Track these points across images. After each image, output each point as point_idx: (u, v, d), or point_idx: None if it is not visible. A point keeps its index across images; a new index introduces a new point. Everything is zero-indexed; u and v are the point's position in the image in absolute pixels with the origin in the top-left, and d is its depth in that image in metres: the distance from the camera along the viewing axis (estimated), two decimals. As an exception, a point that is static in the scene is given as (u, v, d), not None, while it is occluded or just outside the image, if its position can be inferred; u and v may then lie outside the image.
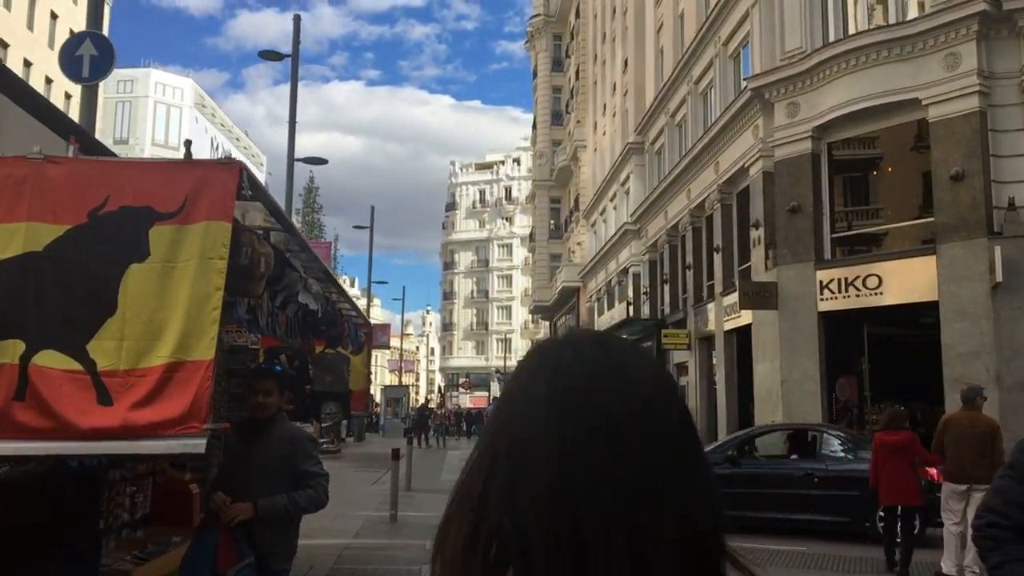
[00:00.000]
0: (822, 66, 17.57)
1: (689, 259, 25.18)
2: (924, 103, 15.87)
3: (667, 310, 27.81)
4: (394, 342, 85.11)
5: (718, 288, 22.38)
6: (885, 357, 17.20)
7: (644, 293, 30.64)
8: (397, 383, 62.74)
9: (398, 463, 11.12)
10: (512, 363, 78.15)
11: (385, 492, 12.70)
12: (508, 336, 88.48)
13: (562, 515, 0.67)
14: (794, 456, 12.87)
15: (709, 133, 22.76)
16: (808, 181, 17.95)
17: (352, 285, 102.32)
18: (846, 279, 17.11)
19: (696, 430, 0.79)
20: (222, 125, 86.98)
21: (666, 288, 28.00)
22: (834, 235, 17.91)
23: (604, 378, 0.74)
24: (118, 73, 78.00)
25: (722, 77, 22.83)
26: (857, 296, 16.88)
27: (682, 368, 27.11)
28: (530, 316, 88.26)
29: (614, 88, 38.20)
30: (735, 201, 22.15)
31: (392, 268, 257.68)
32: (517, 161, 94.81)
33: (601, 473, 0.69)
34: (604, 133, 40.70)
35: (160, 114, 79.59)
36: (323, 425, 12.25)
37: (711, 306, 23.08)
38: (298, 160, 20.13)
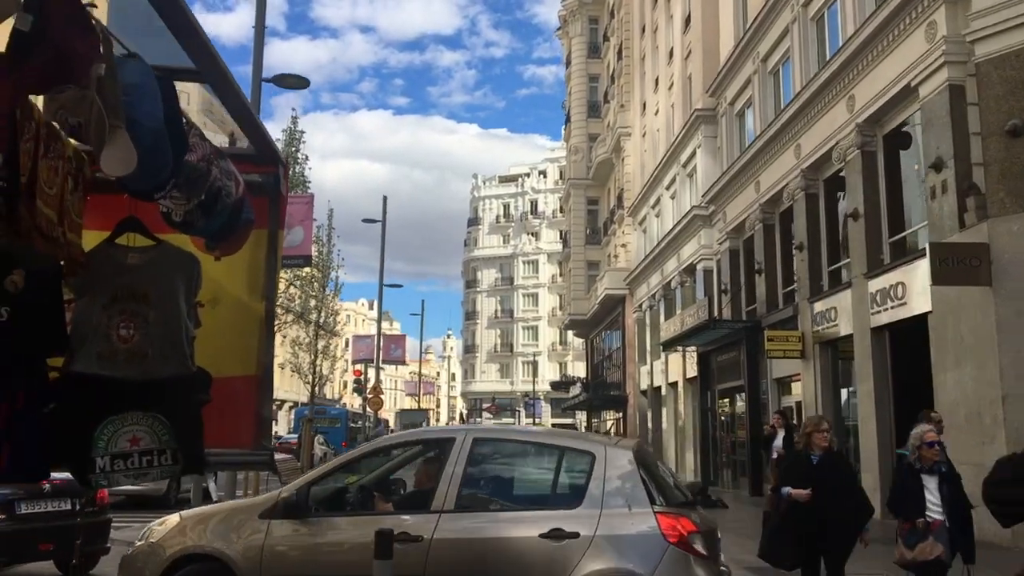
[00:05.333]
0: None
1: (801, 237, 18.80)
2: None
3: (762, 308, 21.37)
4: (413, 367, 79.00)
5: (858, 269, 15.98)
6: None
7: (723, 291, 24.23)
8: (416, 407, 56.39)
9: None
10: (541, 387, 71.34)
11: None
12: (535, 358, 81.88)
13: None
14: None
15: (839, 58, 16.50)
16: (1040, 86, 11.63)
17: (371, 308, 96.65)
18: (1120, 231, 10.72)
19: None
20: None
21: (760, 280, 21.59)
22: (1089, 165, 11.54)
23: None
24: (120, 77, 73.30)
25: (855, -19, 16.61)
26: None
27: (785, 384, 20.62)
28: (559, 335, 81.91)
29: (671, 55, 32.10)
30: (882, 145, 15.83)
31: (416, 295, 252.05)
32: (543, 173, 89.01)
33: None
34: (657, 112, 34.55)
35: (164, 120, 74.61)
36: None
37: (844, 295, 16.66)
38: (266, 80, 14.07)
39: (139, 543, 6.28)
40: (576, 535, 5.33)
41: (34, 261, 2.39)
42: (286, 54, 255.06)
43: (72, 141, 2.41)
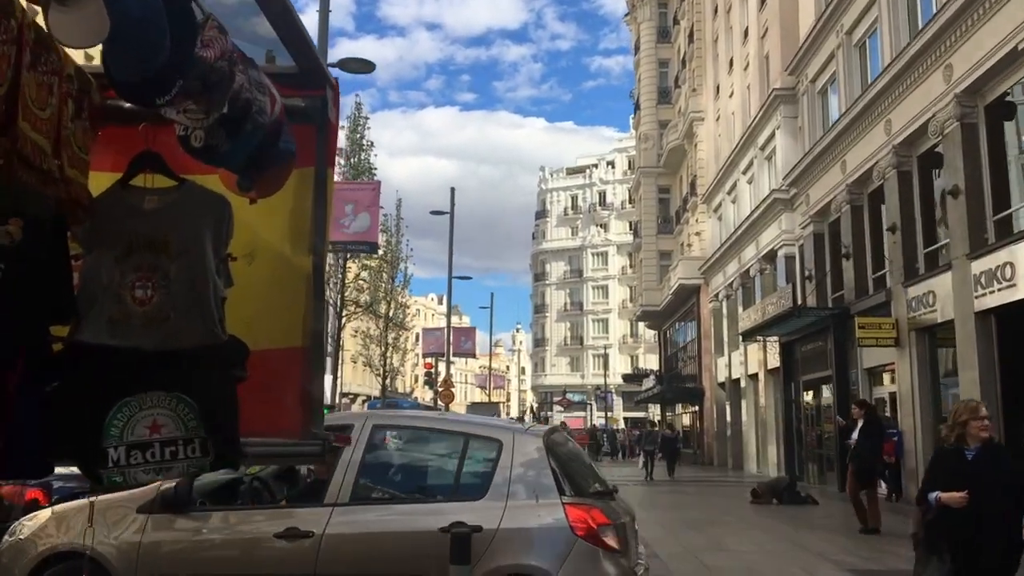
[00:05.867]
0: None
1: (893, 218, 17.69)
2: None
3: (851, 294, 20.27)
4: (482, 360, 78.92)
5: (959, 250, 14.87)
6: None
7: (807, 277, 23.13)
8: (487, 400, 56.19)
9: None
10: (612, 380, 70.35)
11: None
12: (605, 351, 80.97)
13: None
14: None
15: (934, 25, 15.38)
16: None
17: (440, 303, 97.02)
18: None
19: None
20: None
21: (847, 265, 20.48)
22: None
23: None
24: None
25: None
26: None
27: (877, 374, 19.52)
28: (630, 328, 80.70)
29: (745, 35, 30.96)
30: (983, 116, 14.68)
31: (485, 290, 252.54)
32: (611, 164, 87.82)
33: None
34: (731, 94, 33.41)
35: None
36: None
37: (943, 279, 15.56)
38: (331, 65, 13.75)
39: (7, 539, 5.82)
40: (479, 529, 4.87)
41: (33, 208, 1.93)
42: (354, 53, 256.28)
43: (71, 56, 1.94)
